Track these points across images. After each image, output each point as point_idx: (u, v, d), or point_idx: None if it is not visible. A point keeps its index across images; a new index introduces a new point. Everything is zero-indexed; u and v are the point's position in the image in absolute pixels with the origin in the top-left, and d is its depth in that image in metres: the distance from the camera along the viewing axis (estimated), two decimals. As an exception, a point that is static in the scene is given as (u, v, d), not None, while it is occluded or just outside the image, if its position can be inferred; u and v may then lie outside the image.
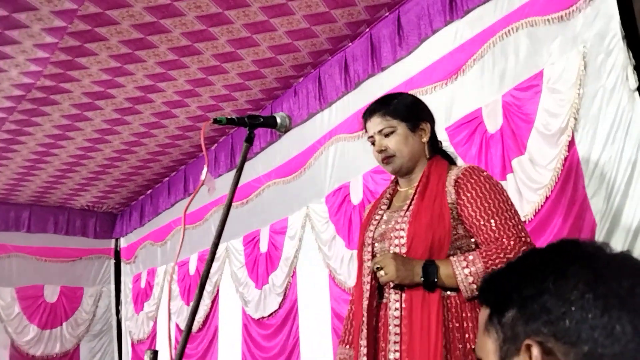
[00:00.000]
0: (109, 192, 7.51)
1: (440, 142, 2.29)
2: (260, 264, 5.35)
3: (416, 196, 2.09)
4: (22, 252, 7.62)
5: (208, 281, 1.78)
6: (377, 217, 2.20)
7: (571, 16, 2.93)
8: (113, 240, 8.35)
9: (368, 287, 2.08)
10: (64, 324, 7.67)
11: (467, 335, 1.91)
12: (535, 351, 0.81)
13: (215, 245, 1.76)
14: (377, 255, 2.10)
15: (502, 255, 1.89)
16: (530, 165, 3.07)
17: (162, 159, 6.55)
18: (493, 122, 3.30)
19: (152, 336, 7.17)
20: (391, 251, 2.04)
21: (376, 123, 2.18)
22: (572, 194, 2.86)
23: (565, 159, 2.89)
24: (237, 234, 5.61)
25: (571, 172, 2.87)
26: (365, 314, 2.05)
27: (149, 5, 3.80)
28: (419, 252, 1.98)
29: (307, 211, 4.78)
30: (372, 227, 2.18)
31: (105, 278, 8.22)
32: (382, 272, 1.98)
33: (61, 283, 7.78)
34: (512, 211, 1.98)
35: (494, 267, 1.87)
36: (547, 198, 2.96)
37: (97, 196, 7.65)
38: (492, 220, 1.95)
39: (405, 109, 2.19)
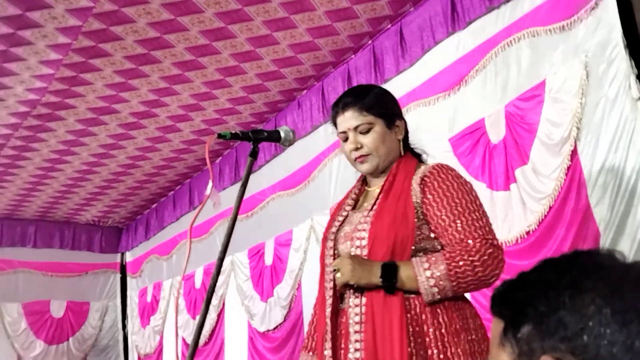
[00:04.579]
0: (114, 206, 7.53)
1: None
2: (266, 277, 5.35)
3: (381, 195, 1.96)
4: (28, 268, 7.63)
5: (214, 294, 1.78)
6: (340, 218, 2.06)
7: (573, 26, 2.94)
8: (119, 255, 8.36)
9: (331, 292, 1.96)
10: (70, 339, 7.67)
11: (427, 340, 1.80)
12: None
13: (221, 260, 1.78)
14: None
15: (466, 257, 1.77)
16: (533, 175, 3.07)
17: (167, 173, 6.57)
18: (496, 133, 3.30)
19: (159, 350, 7.16)
20: (352, 253, 1.92)
21: (350, 118, 2.00)
22: (575, 203, 2.86)
23: (568, 168, 2.89)
24: (243, 246, 5.61)
25: (574, 182, 2.87)
26: (328, 321, 1.93)
27: (152, 20, 3.82)
28: (380, 253, 1.85)
29: (312, 223, 4.78)
30: (334, 229, 2.05)
31: (111, 292, 8.22)
32: (338, 275, 1.87)
33: (67, 298, 7.79)
34: (480, 212, 1.86)
35: (457, 270, 1.76)
36: (550, 207, 2.96)
37: (103, 210, 7.67)
38: (457, 221, 1.83)
39: (382, 104, 2.03)
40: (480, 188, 3.34)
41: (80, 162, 6.06)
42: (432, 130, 3.68)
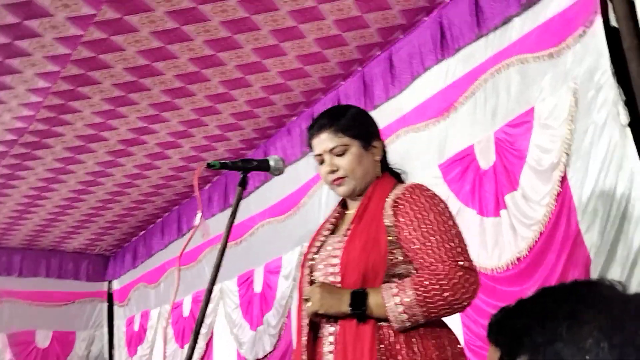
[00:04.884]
0: (101, 234, 7.46)
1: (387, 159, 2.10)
2: (255, 305, 5.30)
3: (355, 219, 1.91)
4: (13, 297, 7.52)
5: (196, 323, 1.75)
6: (318, 243, 2.00)
7: (561, 53, 2.97)
8: (106, 283, 8.26)
9: (307, 320, 1.91)
10: (56, 370, 7.55)
11: None
12: None
13: (210, 291, 1.75)
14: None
15: (434, 281, 1.71)
16: (523, 201, 3.07)
17: (155, 200, 6.53)
18: (486, 159, 3.31)
19: (146, 380, 7.06)
20: (328, 280, 1.87)
21: (326, 140, 1.95)
22: (565, 229, 2.86)
23: (558, 194, 2.90)
24: (232, 274, 5.57)
25: (564, 208, 2.87)
26: (304, 350, 1.89)
27: (141, 48, 3.82)
28: (352, 280, 1.80)
29: (302, 250, 4.74)
30: (311, 255, 1.99)
31: (97, 321, 8.10)
32: (308, 304, 1.82)
33: (53, 328, 7.67)
34: (452, 233, 1.80)
35: (425, 295, 1.70)
36: (541, 234, 2.96)
37: (90, 238, 7.59)
38: (428, 244, 1.77)
39: (359, 124, 1.98)
40: (471, 214, 3.34)
41: (68, 190, 6.01)
42: (421, 156, 3.69)
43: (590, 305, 0.81)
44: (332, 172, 1.95)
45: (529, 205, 3.03)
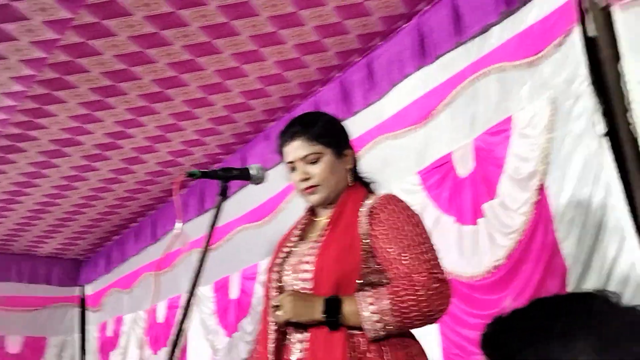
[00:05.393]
0: (75, 238, 7.36)
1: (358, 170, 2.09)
2: (231, 311, 5.27)
3: (329, 227, 1.91)
4: (-16, 302, 7.40)
5: (177, 329, 1.74)
6: (286, 250, 1.99)
7: (540, 62, 2.98)
8: (78, 288, 8.15)
9: (274, 327, 1.89)
10: (27, 376, 7.43)
11: None
12: None
13: (189, 299, 1.74)
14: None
15: (411, 292, 1.72)
16: (501, 209, 3.09)
17: (130, 205, 6.46)
18: (464, 166, 3.32)
19: (119, 387, 6.97)
20: (296, 285, 1.86)
21: (299, 148, 1.94)
22: (543, 238, 2.88)
23: (536, 203, 2.91)
24: (207, 280, 5.51)
25: (542, 217, 2.89)
26: (271, 357, 1.86)
27: (119, 52, 3.78)
28: (325, 287, 1.80)
29: (276, 257, 4.72)
30: (279, 260, 1.98)
31: (70, 327, 7.98)
32: (279, 312, 1.80)
33: (24, 333, 7.54)
34: (427, 245, 1.81)
35: (401, 305, 1.71)
36: (518, 242, 2.97)
37: (63, 243, 7.49)
38: (403, 255, 1.78)
39: (331, 133, 1.99)
40: (449, 222, 3.35)
41: (41, 194, 5.93)
42: (401, 163, 3.70)
43: (582, 323, 0.80)
44: (305, 180, 1.95)
45: (507, 214, 3.05)
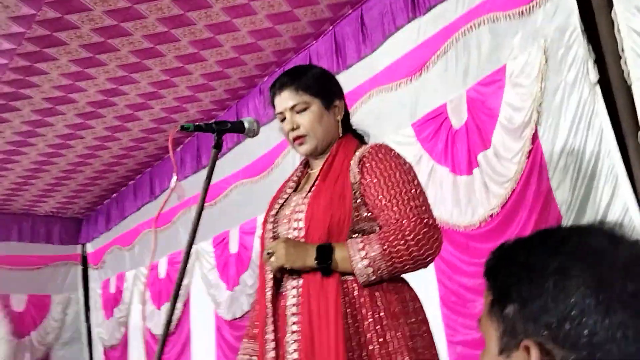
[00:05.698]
0: (73, 197, 7.40)
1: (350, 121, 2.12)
2: (231, 265, 5.33)
3: (319, 177, 1.94)
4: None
5: (176, 285, 1.77)
6: (281, 201, 2.03)
7: (531, 11, 2.97)
8: (79, 246, 8.23)
9: (271, 275, 1.93)
10: (32, 333, 7.55)
11: (365, 324, 1.78)
12: (534, 353, 0.80)
13: (188, 253, 1.76)
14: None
15: (400, 237, 1.75)
16: (495, 159, 3.10)
17: (127, 162, 6.48)
18: (458, 118, 3.33)
19: (124, 342, 7.09)
20: (289, 235, 1.89)
21: (287, 98, 1.98)
22: (537, 186, 2.91)
23: (530, 152, 2.93)
24: (207, 235, 5.57)
25: (535, 165, 2.91)
26: (269, 304, 1.90)
27: (109, 8, 3.74)
28: (317, 235, 1.83)
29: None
30: (273, 212, 2.01)
31: (72, 285, 8.09)
32: (272, 259, 1.84)
33: (28, 292, 7.65)
34: (416, 191, 1.84)
35: (391, 250, 1.74)
36: (513, 191, 2.99)
37: (62, 202, 7.53)
38: (393, 201, 1.81)
39: (320, 83, 2.02)
40: (444, 173, 3.37)
41: (37, 154, 5.93)
42: (394, 115, 3.70)
43: (579, 259, 0.81)
44: (293, 129, 1.98)
45: (501, 163, 3.06)
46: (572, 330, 0.78)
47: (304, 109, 1.97)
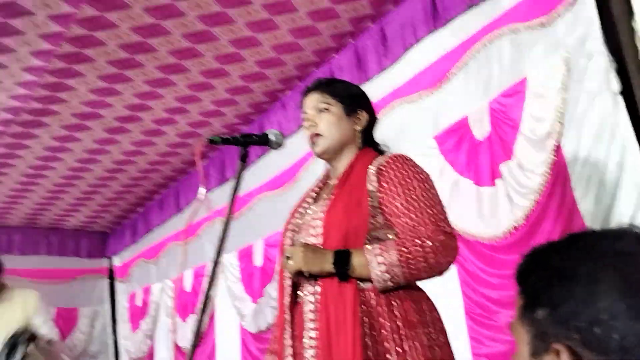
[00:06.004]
0: (101, 211, 7.49)
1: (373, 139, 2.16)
2: (256, 278, 5.35)
3: (337, 185, 1.98)
4: (15, 275, 7.54)
5: (204, 296, 1.80)
6: (301, 210, 2.08)
7: (552, 22, 2.97)
8: (106, 260, 8.31)
9: (289, 282, 1.96)
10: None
11: (383, 333, 1.77)
12: (564, 357, 0.80)
13: (216, 265, 1.79)
14: None
15: (417, 244, 1.77)
16: (518, 170, 3.10)
17: (153, 176, 6.55)
18: (480, 129, 3.33)
19: (150, 354, 7.14)
20: (309, 242, 1.91)
21: (313, 99, 2.08)
22: (560, 197, 2.89)
23: (553, 163, 2.92)
24: (231, 248, 5.60)
25: (559, 176, 2.90)
26: (287, 310, 1.93)
27: (135, 25, 3.82)
28: (334, 241, 1.85)
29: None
30: (294, 221, 2.06)
31: (100, 298, 8.16)
32: (290, 262, 1.86)
33: (56, 304, 7.72)
34: (433, 200, 1.88)
35: (408, 256, 1.76)
36: (537, 202, 2.98)
37: (89, 216, 7.63)
38: (410, 208, 1.84)
39: (345, 90, 2.11)
40: (467, 184, 3.37)
41: (66, 168, 6.03)
42: (416, 127, 3.71)
43: (609, 263, 0.81)
44: (311, 126, 2.05)
45: (525, 174, 3.06)
46: (602, 334, 0.78)
47: (325, 110, 2.04)
